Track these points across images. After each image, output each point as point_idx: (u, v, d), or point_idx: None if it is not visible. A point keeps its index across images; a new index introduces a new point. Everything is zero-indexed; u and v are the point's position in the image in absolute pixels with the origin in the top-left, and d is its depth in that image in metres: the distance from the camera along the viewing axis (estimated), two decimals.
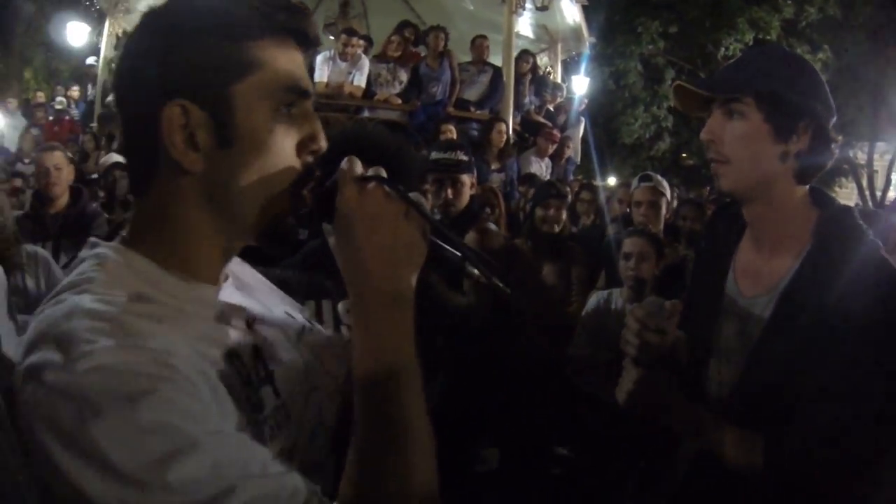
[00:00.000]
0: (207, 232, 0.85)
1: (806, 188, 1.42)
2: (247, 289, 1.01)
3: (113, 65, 9.10)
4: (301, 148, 0.86)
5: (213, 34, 0.80)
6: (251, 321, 0.94)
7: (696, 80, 1.57)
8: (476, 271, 0.91)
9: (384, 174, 0.84)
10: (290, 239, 0.90)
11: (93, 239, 0.87)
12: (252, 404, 0.86)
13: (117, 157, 5.63)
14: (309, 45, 0.88)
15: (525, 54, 8.45)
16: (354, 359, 0.81)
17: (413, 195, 0.84)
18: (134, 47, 0.83)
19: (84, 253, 0.85)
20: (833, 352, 1.26)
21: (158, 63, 0.79)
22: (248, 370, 0.88)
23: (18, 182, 5.82)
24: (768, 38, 16.18)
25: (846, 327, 1.25)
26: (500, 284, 0.92)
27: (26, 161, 7.86)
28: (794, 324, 1.32)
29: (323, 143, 0.87)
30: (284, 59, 0.83)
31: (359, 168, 0.83)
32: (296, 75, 0.84)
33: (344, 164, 0.83)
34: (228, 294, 0.93)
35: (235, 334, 0.89)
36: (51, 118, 9.90)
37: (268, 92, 0.82)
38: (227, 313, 0.90)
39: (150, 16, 0.83)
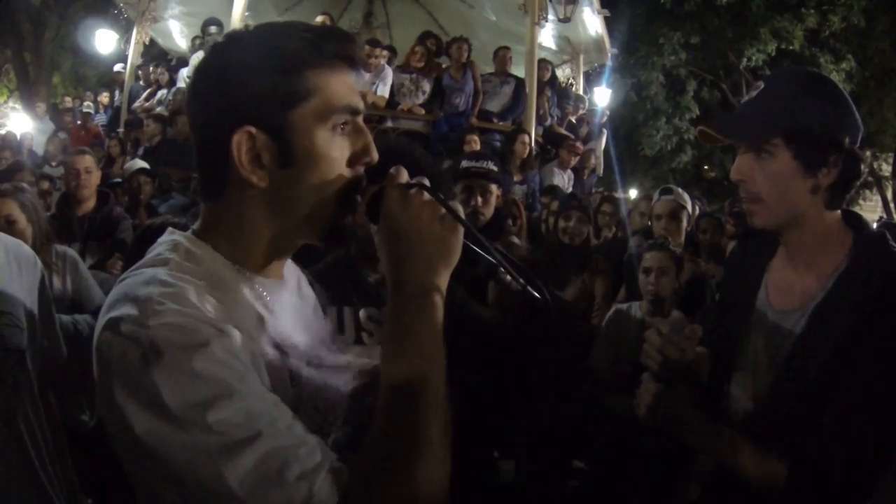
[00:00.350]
0: (268, 234, 0.98)
1: (838, 212, 1.43)
2: (293, 289, 1.12)
3: (139, 71, 9.26)
4: (354, 160, 0.97)
5: (269, 68, 0.91)
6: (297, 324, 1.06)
7: (721, 123, 1.55)
8: (508, 277, 0.98)
9: (427, 183, 0.93)
10: (347, 238, 1.01)
11: (170, 228, 1.01)
12: (289, 389, 0.97)
13: (141, 164, 5.70)
14: (357, 67, 0.98)
15: (543, 62, 8.44)
16: (384, 355, 0.89)
17: (452, 203, 0.92)
18: (203, 79, 0.96)
19: (162, 238, 0.99)
20: (863, 370, 1.27)
21: (225, 94, 0.92)
22: (286, 361, 0.99)
23: (45, 185, 5.91)
24: (791, 48, 16.05)
25: (877, 346, 1.27)
26: (533, 290, 0.97)
27: (53, 164, 7.99)
28: (826, 341, 1.33)
29: (374, 156, 0.98)
30: (336, 83, 0.94)
31: (405, 176, 0.93)
32: (347, 96, 0.95)
33: (392, 170, 0.93)
34: (279, 290, 1.05)
35: (277, 326, 1.00)
36: (78, 122, 10.05)
37: (323, 114, 0.93)
38: (272, 304, 1.01)
39: (215, 51, 0.96)
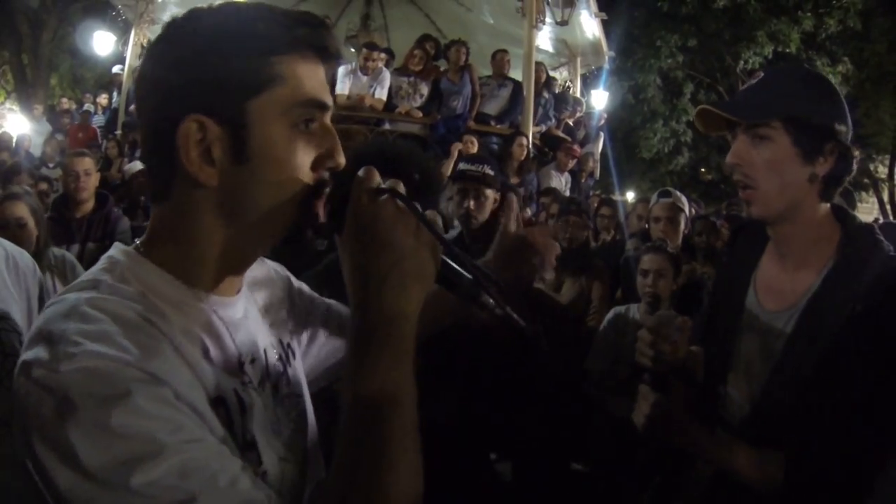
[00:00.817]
0: (219, 241, 0.85)
1: (828, 205, 1.44)
2: (253, 308, 1.00)
3: (136, 73, 9.24)
4: (318, 164, 0.85)
5: (231, 49, 0.79)
6: (242, 362, 0.90)
7: (721, 103, 1.57)
8: (491, 301, 0.87)
9: (402, 189, 0.80)
10: (308, 250, 0.91)
11: (117, 242, 0.89)
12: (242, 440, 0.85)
13: (141, 166, 5.69)
14: (331, 59, 0.87)
15: (536, 65, 8.39)
16: (348, 377, 0.79)
17: (429, 212, 0.82)
18: (155, 58, 0.83)
19: (102, 257, 0.86)
20: (856, 366, 1.27)
21: (177, 76, 0.80)
22: (240, 389, 0.87)
23: (44, 186, 5.89)
24: (788, 51, 16.13)
25: (869, 342, 1.27)
26: (516, 317, 0.88)
27: (50, 165, 7.98)
28: (817, 338, 1.33)
29: (341, 160, 0.86)
30: (305, 73, 0.83)
31: (375, 179, 0.81)
32: (315, 90, 0.84)
33: (360, 172, 0.81)
34: (231, 313, 0.92)
35: (228, 351, 0.88)
36: (76, 122, 10.03)
37: (286, 107, 0.81)
38: (223, 332, 0.88)
39: (172, 27, 0.83)
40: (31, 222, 2.97)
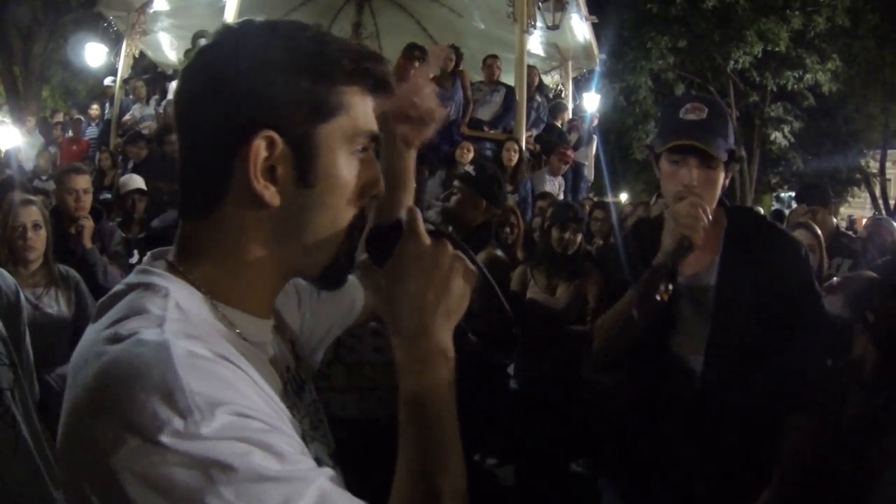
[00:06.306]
0: (267, 268, 0.84)
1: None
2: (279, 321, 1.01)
3: (127, 85, 9.20)
4: (364, 191, 0.86)
5: (306, 74, 0.79)
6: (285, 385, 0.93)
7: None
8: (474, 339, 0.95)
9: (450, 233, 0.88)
10: (344, 278, 0.92)
11: (139, 267, 0.84)
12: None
13: (138, 183, 5.45)
14: (384, 93, 0.88)
15: (530, 69, 8.35)
16: (405, 400, 0.83)
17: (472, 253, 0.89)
18: (204, 81, 0.80)
19: (135, 278, 0.81)
20: (771, 306, 1.70)
21: (240, 95, 0.78)
22: (292, 401, 0.90)
23: (41, 199, 5.81)
24: (777, 49, 16.21)
25: (783, 275, 1.73)
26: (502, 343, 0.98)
27: (43, 178, 7.93)
28: (740, 283, 1.72)
29: (383, 188, 0.89)
30: (363, 105, 0.84)
31: (421, 219, 0.86)
32: (371, 121, 0.86)
33: (404, 214, 0.86)
34: (265, 338, 0.91)
35: (283, 367, 0.93)
36: (68, 134, 9.98)
37: (348, 136, 0.82)
38: (277, 348, 0.93)
39: (217, 50, 0.81)
40: (46, 228, 2.97)
